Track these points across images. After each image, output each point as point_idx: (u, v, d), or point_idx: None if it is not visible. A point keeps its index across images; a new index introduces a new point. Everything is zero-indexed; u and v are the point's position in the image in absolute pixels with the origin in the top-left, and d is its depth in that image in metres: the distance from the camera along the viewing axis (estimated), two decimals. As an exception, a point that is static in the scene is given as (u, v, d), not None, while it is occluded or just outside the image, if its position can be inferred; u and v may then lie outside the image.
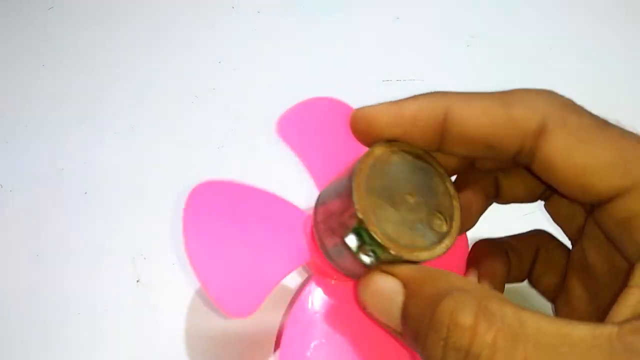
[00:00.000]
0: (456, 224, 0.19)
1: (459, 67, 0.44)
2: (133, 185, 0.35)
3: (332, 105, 0.22)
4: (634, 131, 0.17)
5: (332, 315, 0.21)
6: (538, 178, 0.18)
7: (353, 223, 0.18)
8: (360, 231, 0.18)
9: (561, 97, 0.18)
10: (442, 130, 0.18)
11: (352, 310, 0.20)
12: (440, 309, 0.15)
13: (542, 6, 0.51)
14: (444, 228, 0.19)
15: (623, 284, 0.16)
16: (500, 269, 0.22)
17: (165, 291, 0.27)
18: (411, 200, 0.19)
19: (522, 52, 0.46)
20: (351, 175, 0.19)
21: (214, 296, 0.19)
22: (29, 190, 0.34)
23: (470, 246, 0.24)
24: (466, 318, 0.15)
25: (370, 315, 0.18)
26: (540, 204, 0.26)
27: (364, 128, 0.19)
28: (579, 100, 0.19)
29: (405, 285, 0.17)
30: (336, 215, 0.19)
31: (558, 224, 0.22)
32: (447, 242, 0.19)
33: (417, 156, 0.20)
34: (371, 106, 0.19)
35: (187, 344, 0.28)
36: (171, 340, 0.28)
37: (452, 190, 0.20)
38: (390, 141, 0.19)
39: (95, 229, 0.32)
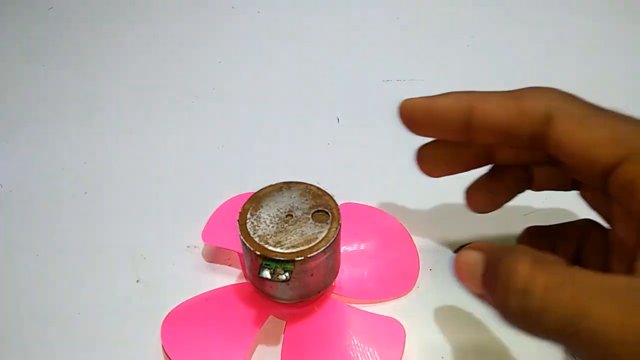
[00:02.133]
0: (335, 210, 0.24)
1: (459, 67, 0.44)
2: (133, 185, 0.35)
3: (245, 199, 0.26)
4: (629, 114, 0.20)
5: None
6: (553, 161, 0.21)
7: (260, 262, 0.23)
8: (267, 262, 0.23)
9: (563, 92, 0.21)
10: (467, 121, 0.22)
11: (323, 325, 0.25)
12: (504, 262, 0.19)
13: (542, 6, 0.51)
14: (328, 218, 0.24)
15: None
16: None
17: (165, 291, 0.27)
18: (291, 218, 0.24)
19: (522, 52, 0.46)
20: (239, 236, 0.24)
21: None
22: (29, 190, 0.34)
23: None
24: (523, 267, 0.18)
25: (461, 282, 0.22)
26: (534, 210, 0.29)
27: (407, 119, 0.24)
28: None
29: (486, 255, 0.21)
30: (253, 268, 0.24)
31: (594, 210, 0.24)
32: (335, 225, 0.24)
33: (279, 189, 0.25)
34: (411, 100, 0.23)
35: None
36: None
37: (315, 190, 0.25)
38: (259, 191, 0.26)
39: (95, 229, 0.32)
